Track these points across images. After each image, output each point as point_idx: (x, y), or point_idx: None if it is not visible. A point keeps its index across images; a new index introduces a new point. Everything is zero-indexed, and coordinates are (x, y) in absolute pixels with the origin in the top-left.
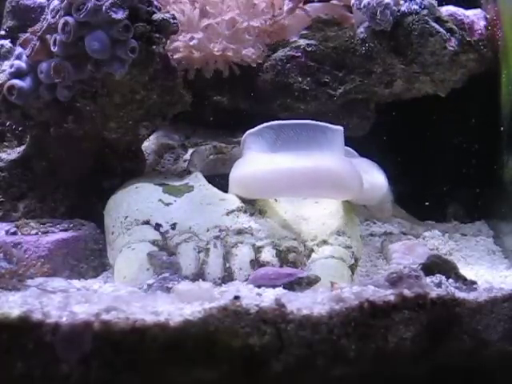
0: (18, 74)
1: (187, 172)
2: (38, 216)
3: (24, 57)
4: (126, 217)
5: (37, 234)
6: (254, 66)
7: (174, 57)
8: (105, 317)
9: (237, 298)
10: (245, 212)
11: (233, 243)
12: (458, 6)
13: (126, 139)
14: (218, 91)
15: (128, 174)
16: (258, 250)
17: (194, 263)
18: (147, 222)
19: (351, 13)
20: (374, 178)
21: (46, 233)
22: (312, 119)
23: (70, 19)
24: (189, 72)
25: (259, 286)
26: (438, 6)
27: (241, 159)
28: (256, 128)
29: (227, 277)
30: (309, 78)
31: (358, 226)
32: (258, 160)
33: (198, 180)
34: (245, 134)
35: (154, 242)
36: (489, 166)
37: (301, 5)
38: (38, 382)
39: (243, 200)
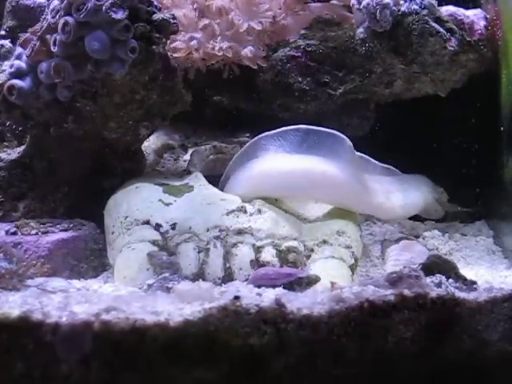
0: (18, 73)
1: (187, 172)
2: (38, 216)
3: (24, 57)
4: (126, 217)
5: (37, 234)
6: (255, 67)
7: (174, 55)
8: (105, 317)
9: (237, 298)
10: (245, 212)
11: (233, 243)
12: (458, 5)
13: (125, 139)
14: (218, 91)
15: (128, 174)
16: (258, 249)
17: (194, 263)
18: (147, 222)
19: (351, 13)
20: (406, 199)
21: (46, 233)
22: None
23: (70, 19)
24: (189, 72)
25: (259, 286)
26: (438, 6)
27: (258, 159)
28: (279, 130)
29: (227, 277)
30: (309, 78)
31: (358, 226)
32: (287, 160)
33: (198, 180)
34: (260, 136)
35: (154, 242)
36: (489, 165)
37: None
38: (38, 381)
39: (243, 200)
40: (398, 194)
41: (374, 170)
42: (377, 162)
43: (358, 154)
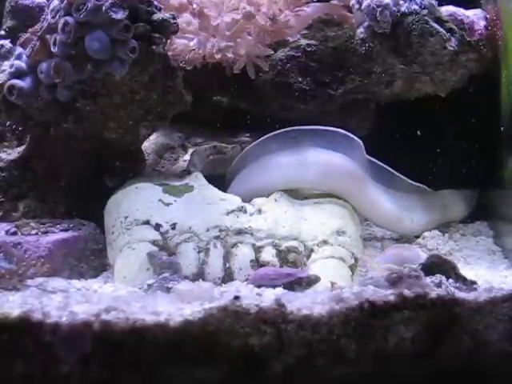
0: (17, 73)
1: (187, 172)
2: (38, 216)
3: (24, 57)
4: (126, 217)
5: (37, 234)
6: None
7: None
8: (105, 317)
9: (237, 298)
10: (245, 212)
11: (233, 243)
12: (458, 5)
13: (126, 139)
14: (218, 91)
15: (128, 174)
16: (258, 249)
17: (194, 263)
18: (147, 222)
19: (351, 13)
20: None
21: (46, 233)
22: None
23: (70, 19)
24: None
25: (259, 286)
26: (438, 6)
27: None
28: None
29: (227, 277)
30: (309, 78)
31: (358, 225)
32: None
33: (198, 180)
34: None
35: (153, 242)
36: (489, 166)
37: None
38: (37, 381)
39: (243, 200)
40: (412, 214)
41: (399, 184)
42: (405, 177)
43: (383, 165)
